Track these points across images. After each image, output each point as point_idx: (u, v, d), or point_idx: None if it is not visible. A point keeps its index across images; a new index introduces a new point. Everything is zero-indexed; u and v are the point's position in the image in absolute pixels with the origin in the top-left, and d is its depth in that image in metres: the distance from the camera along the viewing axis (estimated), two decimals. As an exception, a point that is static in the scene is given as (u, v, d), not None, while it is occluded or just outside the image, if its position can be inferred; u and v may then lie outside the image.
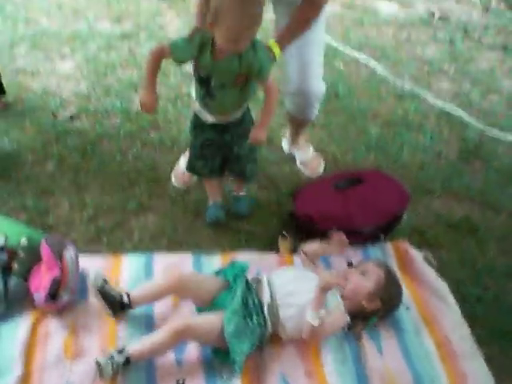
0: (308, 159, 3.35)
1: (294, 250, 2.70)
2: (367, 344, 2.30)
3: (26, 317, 2.27)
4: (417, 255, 2.68)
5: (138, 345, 2.12)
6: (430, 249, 2.78)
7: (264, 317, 2.24)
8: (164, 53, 2.46)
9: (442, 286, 2.54)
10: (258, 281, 2.35)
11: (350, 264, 2.55)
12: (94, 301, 2.31)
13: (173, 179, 3.14)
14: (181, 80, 4.00)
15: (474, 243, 2.93)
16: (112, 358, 2.05)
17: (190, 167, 2.91)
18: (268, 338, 2.26)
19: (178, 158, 3.25)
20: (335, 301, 2.31)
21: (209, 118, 2.70)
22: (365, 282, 2.33)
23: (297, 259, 2.63)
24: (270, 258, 2.66)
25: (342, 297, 2.32)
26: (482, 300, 2.61)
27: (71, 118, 3.59)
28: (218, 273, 2.46)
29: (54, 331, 2.24)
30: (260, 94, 2.64)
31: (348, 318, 2.29)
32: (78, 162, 3.22)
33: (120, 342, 2.20)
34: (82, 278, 2.44)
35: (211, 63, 2.45)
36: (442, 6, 5.65)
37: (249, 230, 2.88)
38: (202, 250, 2.71)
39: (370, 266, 2.39)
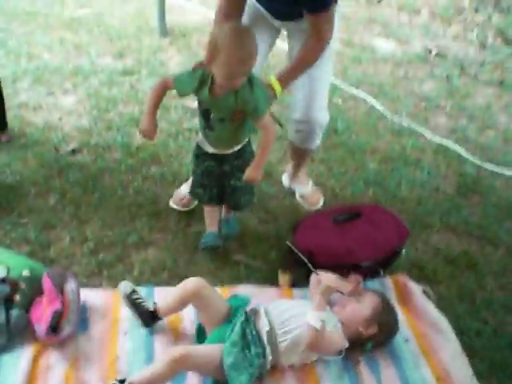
0: (307, 193, 3.39)
1: (293, 284, 2.71)
2: (366, 375, 2.30)
3: (27, 348, 2.27)
4: (416, 288, 2.68)
5: (138, 375, 2.12)
6: (429, 283, 2.80)
7: (263, 347, 2.24)
8: (168, 84, 2.58)
9: (441, 319, 2.54)
10: (256, 312, 2.36)
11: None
12: (95, 332, 2.33)
13: (171, 202, 3.18)
14: (182, 115, 4.05)
15: (472, 277, 2.95)
16: None
17: (192, 193, 2.99)
18: (268, 369, 2.26)
19: (178, 192, 3.30)
20: (334, 322, 2.34)
21: (209, 149, 2.78)
22: (361, 308, 2.37)
23: (296, 292, 2.65)
24: (270, 291, 2.67)
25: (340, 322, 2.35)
26: (480, 334, 2.62)
27: (73, 151, 3.61)
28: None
29: (55, 363, 2.24)
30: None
31: (346, 343, 2.32)
32: (79, 196, 3.24)
33: (120, 374, 2.19)
34: (83, 310, 2.45)
35: (209, 98, 2.53)
36: (438, 43, 5.75)
37: (248, 263, 2.89)
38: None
39: (366, 294, 2.43)
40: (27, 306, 2.37)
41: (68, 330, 2.30)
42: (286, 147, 3.59)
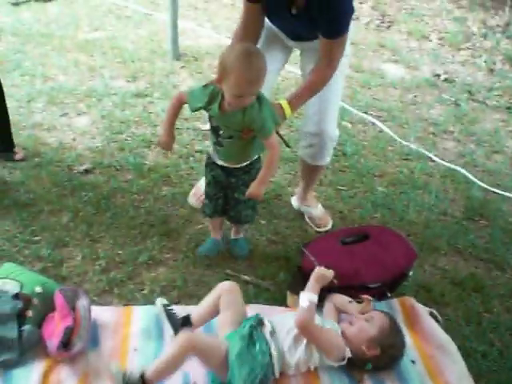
0: (316, 215, 3.42)
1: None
2: (373, 394, 2.32)
3: (38, 364, 2.29)
4: (423, 310, 2.69)
5: (151, 366, 2.18)
6: (436, 305, 2.82)
7: (267, 344, 2.28)
8: (182, 98, 2.67)
9: (448, 341, 2.55)
10: (262, 321, 2.39)
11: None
12: (106, 349, 2.37)
13: (190, 197, 3.22)
14: (193, 137, 4.12)
15: (479, 300, 2.96)
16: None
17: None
18: (277, 377, 2.28)
19: (189, 213, 3.36)
20: (334, 326, 2.41)
21: (218, 162, 2.85)
22: (369, 327, 2.38)
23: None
24: (279, 310, 2.68)
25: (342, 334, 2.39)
26: (487, 356, 2.63)
27: (86, 171, 3.67)
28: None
29: (66, 378, 2.26)
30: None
31: (349, 353, 2.33)
32: (91, 215, 3.28)
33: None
34: (94, 327, 2.48)
35: (218, 115, 2.59)
36: (447, 69, 5.81)
37: (257, 283, 2.92)
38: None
39: (376, 314, 2.44)
40: (39, 322, 2.41)
41: (79, 346, 2.33)
42: (295, 169, 3.64)
